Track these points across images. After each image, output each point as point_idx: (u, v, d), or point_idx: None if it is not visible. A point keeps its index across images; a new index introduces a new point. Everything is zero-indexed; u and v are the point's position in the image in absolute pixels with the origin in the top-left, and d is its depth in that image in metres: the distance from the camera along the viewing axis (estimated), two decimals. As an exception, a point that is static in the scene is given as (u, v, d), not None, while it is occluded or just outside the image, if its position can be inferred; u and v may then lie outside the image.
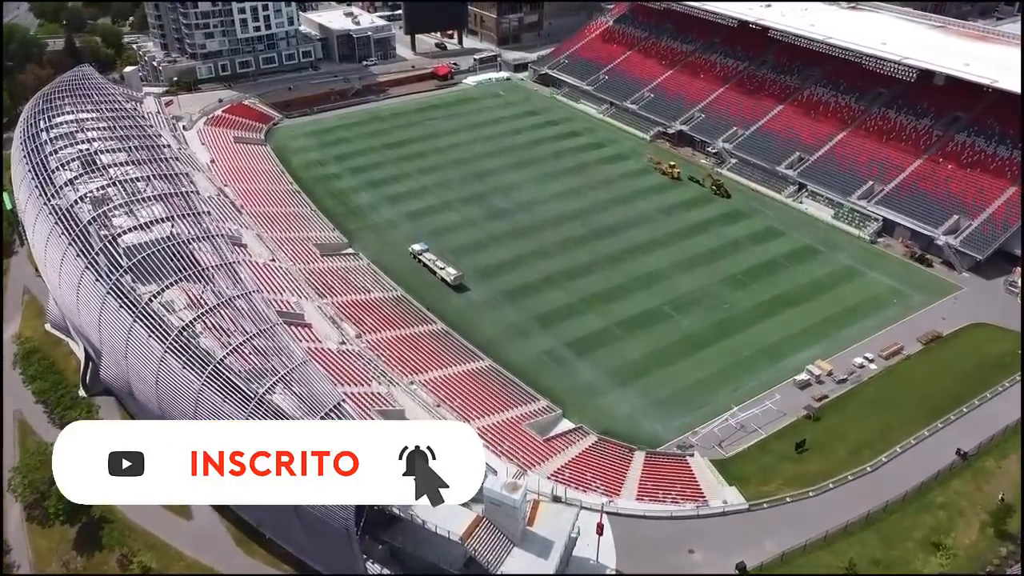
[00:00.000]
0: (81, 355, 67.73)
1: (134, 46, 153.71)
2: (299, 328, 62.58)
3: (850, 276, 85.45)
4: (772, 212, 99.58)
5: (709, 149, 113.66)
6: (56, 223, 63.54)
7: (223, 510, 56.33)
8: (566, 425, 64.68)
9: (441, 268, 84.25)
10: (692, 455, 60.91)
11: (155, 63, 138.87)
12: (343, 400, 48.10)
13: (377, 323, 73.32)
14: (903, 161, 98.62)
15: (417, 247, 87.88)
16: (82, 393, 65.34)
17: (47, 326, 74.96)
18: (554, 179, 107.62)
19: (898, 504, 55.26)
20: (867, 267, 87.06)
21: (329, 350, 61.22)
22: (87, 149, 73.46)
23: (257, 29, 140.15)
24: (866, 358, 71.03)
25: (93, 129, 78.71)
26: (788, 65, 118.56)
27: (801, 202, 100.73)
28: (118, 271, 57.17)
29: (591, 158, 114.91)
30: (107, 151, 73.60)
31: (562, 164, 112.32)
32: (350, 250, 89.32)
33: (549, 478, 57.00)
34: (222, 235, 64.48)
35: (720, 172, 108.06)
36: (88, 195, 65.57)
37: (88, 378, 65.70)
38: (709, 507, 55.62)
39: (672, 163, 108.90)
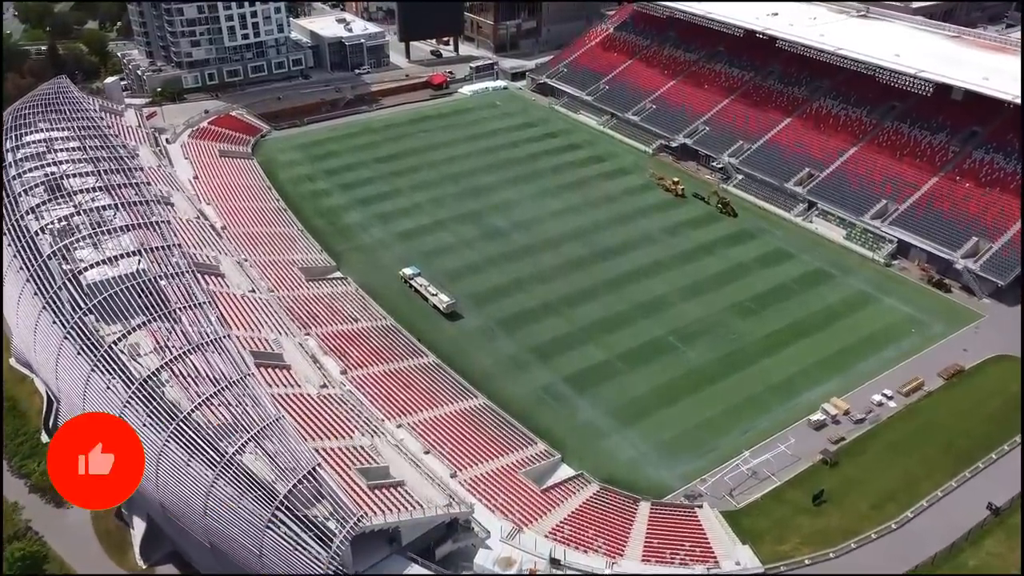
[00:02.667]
0: (45, 395, 63.10)
1: (119, 54, 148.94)
2: (276, 371, 58.01)
3: (864, 303, 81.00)
4: (780, 232, 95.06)
5: (714, 164, 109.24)
6: (15, 255, 59.05)
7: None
8: (565, 472, 60.16)
9: (433, 295, 79.78)
10: (701, 506, 56.48)
11: (139, 72, 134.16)
12: (319, 464, 43.57)
13: (364, 357, 68.77)
14: (918, 179, 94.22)
15: (408, 271, 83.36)
16: (44, 439, 60.70)
17: (11, 361, 70.24)
18: (553, 196, 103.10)
19: (927, 566, 50.86)
20: (882, 293, 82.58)
21: (308, 396, 56.63)
22: (55, 172, 68.88)
23: (245, 37, 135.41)
24: (884, 395, 66.63)
25: (63, 150, 74.25)
26: (795, 76, 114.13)
27: (811, 221, 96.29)
28: (78, 311, 52.65)
29: (591, 173, 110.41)
30: (76, 175, 69.11)
31: (561, 179, 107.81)
32: (338, 274, 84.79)
33: (547, 536, 52.48)
34: (194, 269, 59.85)
35: (726, 189, 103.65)
36: (51, 225, 60.99)
37: (52, 422, 61.08)
38: (721, 569, 51.08)
39: (676, 179, 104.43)
